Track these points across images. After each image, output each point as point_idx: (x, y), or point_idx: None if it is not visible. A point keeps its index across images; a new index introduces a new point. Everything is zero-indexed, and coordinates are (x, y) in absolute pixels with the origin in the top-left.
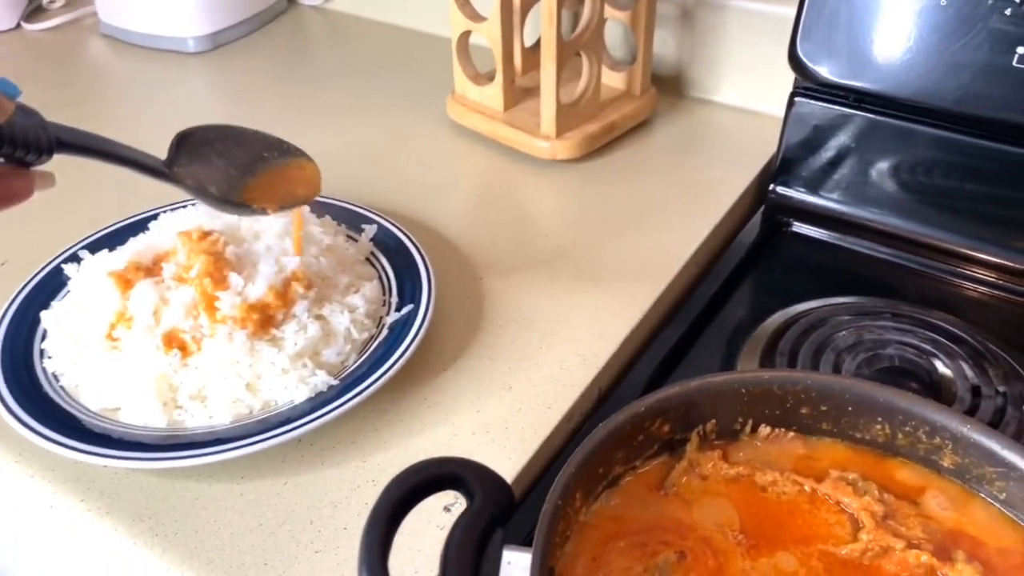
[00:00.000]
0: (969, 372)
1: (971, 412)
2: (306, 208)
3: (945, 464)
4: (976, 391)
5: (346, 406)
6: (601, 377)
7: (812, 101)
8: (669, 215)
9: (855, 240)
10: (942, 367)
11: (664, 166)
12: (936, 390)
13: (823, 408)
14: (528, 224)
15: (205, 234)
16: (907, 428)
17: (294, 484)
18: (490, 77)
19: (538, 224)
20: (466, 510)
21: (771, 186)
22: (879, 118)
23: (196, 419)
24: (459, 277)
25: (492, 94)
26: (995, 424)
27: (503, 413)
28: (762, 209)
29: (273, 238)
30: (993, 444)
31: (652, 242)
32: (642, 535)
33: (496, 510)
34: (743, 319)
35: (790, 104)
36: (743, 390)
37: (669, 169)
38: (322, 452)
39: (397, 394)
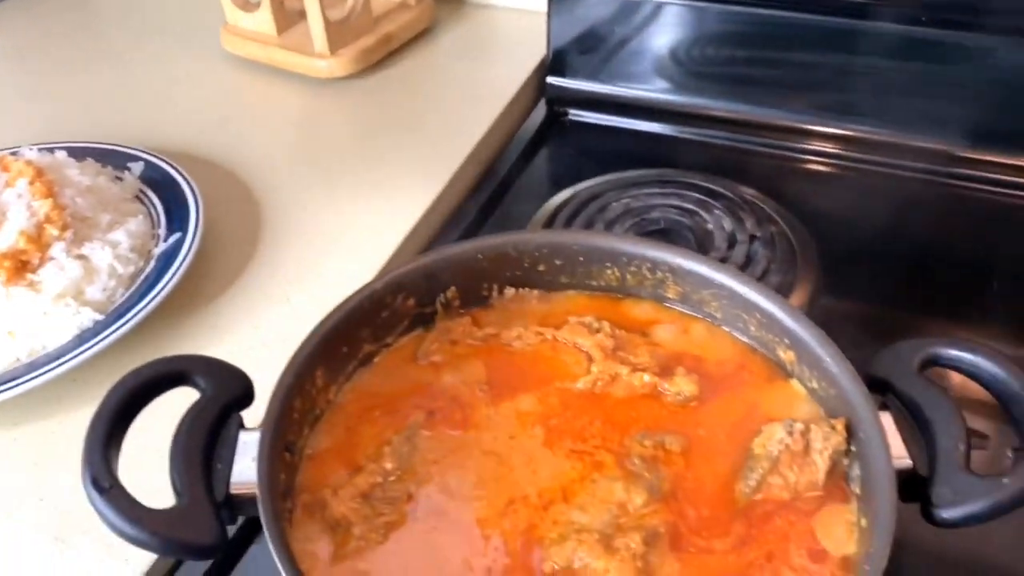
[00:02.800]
0: (726, 223)
1: (725, 259)
2: (63, 152)
3: (670, 295)
4: (732, 239)
5: (110, 339)
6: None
7: None
8: (449, 119)
9: (626, 120)
10: (703, 223)
11: (445, 72)
12: (700, 244)
13: (557, 263)
14: (309, 144)
15: None
16: (632, 268)
17: (71, 421)
18: (259, 3)
19: (319, 143)
20: (198, 400)
21: (547, 79)
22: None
23: None
24: (237, 203)
25: (263, 19)
26: (747, 264)
27: (282, 326)
28: (544, 101)
29: (24, 185)
30: (703, 268)
31: (432, 147)
32: (395, 403)
33: (230, 397)
34: (524, 206)
35: None
36: (480, 256)
37: (450, 75)
38: (99, 387)
39: (174, 321)
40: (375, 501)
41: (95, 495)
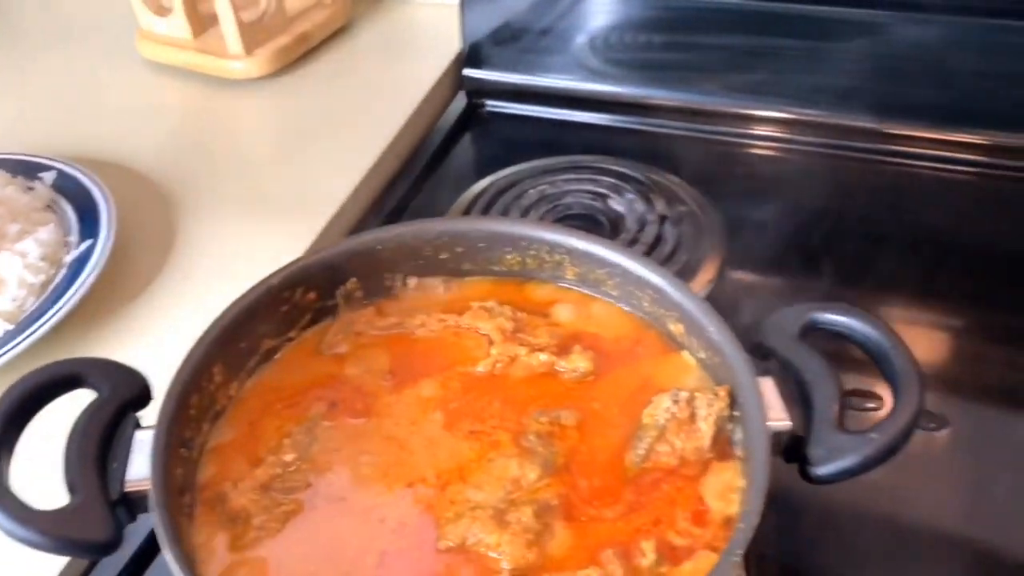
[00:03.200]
0: (638, 205)
1: (635, 240)
2: None
3: (568, 276)
4: (643, 220)
5: (19, 347)
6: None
7: None
8: (366, 114)
9: (543, 108)
10: (615, 205)
11: (362, 69)
12: (613, 227)
13: (459, 250)
14: (226, 146)
15: None
16: (531, 251)
17: None
18: (172, 7)
19: (236, 144)
20: (93, 400)
21: (464, 71)
22: None
23: None
24: (152, 208)
25: (177, 23)
26: (656, 243)
27: (196, 329)
28: (462, 93)
29: None
30: (597, 248)
31: (350, 141)
32: (297, 396)
33: (126, 398)
34: (443, 195)
35: None
36: (379, 247)
37: (367, 71)
38: None
39: (87, 327)
40: (274, 492)
41: None
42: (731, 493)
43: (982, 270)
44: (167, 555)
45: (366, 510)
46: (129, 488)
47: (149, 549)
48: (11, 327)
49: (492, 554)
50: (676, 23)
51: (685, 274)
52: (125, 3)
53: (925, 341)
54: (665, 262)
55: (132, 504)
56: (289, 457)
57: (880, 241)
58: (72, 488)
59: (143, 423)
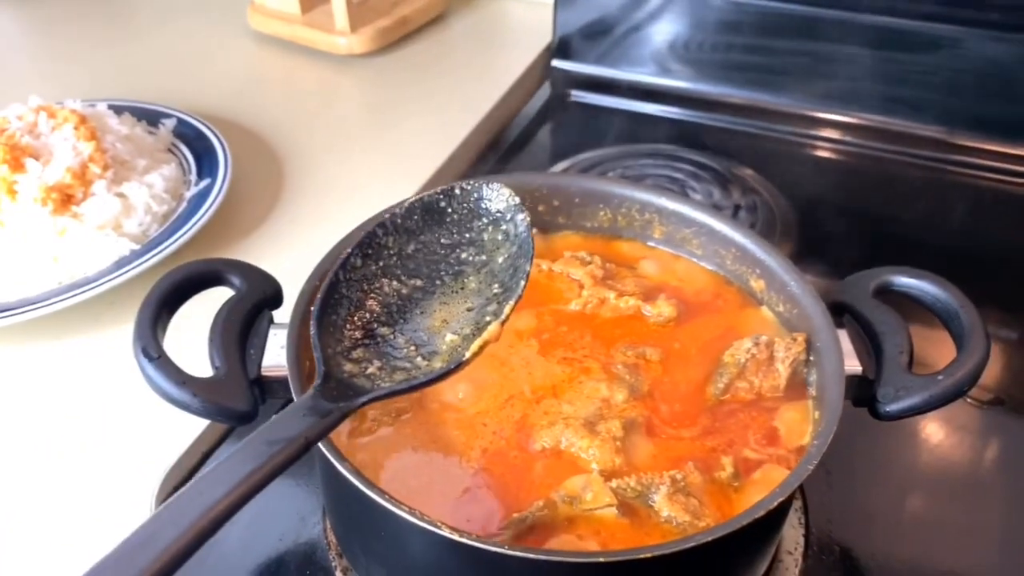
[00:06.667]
0: (714, 193)
1: None
2: (104, 105)
3: (655, 235)
4: (718, 207)
5: (143, 266)
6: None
7: None
8: (458, 95)
9: (625, 101)
10: (692, 191)
11: (456, 55)
12: None
13: (555, 203)
14: (328, 113)
15: (2, 130)
16: (623, 209)
17: (107, 336)
18: None
19: (338, 112)
20: (233, 295)
21: (552, 62)
22: None
23: (7, 295)
24: (261, 160)
25: None
26: None
27: (301, 266)
28: (548, 83)
29: (69, 130)
30: (686, 209)
31: (443, 118)
32: None
33: (262, 296)
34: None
35: None
36: None
37: (461, 57)
38: (133, 309)
39: (202, 256)
40: None
41: (145, 363)
42: (802, 426)
43: None
44: None
45: (469, 414)
46: (265, 372)
47: None
48: (137, 247)
49: (583, 455)
50: (755, 28)
51: None
52: None
53: None
54: None
55: (264, 387)
56: None
57: (942, 246)
58: (216, 366)
59: (276, 321)
